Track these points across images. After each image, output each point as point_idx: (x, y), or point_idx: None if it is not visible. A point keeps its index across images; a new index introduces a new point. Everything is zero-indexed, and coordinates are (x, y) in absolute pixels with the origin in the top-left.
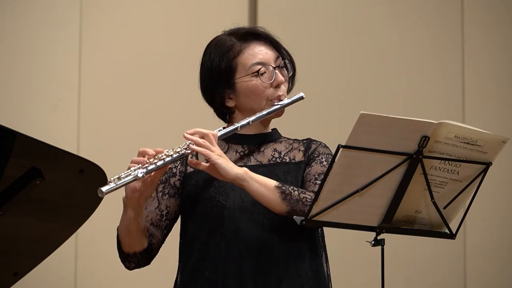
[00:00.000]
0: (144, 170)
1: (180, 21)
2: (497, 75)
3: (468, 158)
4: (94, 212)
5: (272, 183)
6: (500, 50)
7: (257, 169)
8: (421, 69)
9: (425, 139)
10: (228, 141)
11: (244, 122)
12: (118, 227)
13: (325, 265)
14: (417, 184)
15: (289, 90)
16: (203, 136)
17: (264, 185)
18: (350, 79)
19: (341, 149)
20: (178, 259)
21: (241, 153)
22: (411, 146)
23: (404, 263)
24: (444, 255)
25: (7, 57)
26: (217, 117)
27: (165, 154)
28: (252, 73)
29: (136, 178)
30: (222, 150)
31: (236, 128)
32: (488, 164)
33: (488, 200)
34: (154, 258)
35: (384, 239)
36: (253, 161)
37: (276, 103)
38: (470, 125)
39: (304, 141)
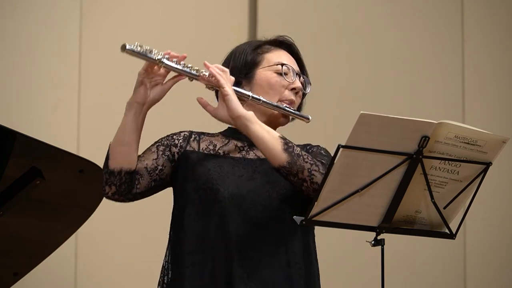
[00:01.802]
0: (165, 60)
1: (180, 21)
2: (497, 75)
3: (468, 158)
4: (94, 212)
5: (276, 133)
6: (500, 50)
7: (255, 162)
8: (421, 69)
9: (425, 139)
10: (228, 135)
11: (257, 96)
12: (111, 142)
13: (315, 261)
14: (417, 184)
15: (299, 108)
16: (222, 70)
17: (267, 131)
18: (350, 79)
19: (341, 149)
20: (168, 238)
21: (241, 148)
22: (411, 146)
23: (404, 263)
24: (444, 255)
25: (7, 57)
26: (215, 118)
27: (185, 65)
28: (276, 65)
29: (155, 61)
30: (222, 142)
31: (248, 96)
32: (488, 164)
33: (488, 200)
34: (154, 260)
35: (384, 239)
36: (251, 155)
37: (286, 106)
38: (470, 125)
39: (303, 144)
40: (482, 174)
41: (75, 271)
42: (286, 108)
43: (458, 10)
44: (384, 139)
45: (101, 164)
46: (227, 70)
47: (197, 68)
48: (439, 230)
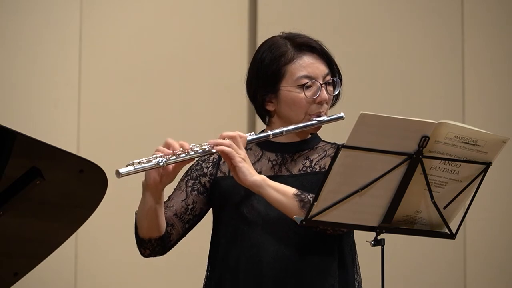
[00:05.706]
0: (165, 159)
1: (180, 21)
2: (497, 75)
3: (468, 158)
4: (94, 212)
5: (291, 190)
6: (500, 50)
7: (287, 179)
8: (421, 69)
9: (425, 139)
10: (262, 147)
11: (277, 131)
12: (136, 211)
13: (356, 274)
14: (417, 184)
15: (331, 106)
16: (230, 137)
17: (282, 193)
18: (350, 79)
19: (341, 149)
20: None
21: (274, 162)
22: (411, 146)
23: (404, 263)
24: (444, 255)
25: (8, 57)
26: (214, 118)
27: (190, 149)
28: (298, 85)
29: (156, 166)
30: (256, 156)
31: (268, 136)
32: (488, 164)
33: (488, 200)
34: (154, 259)
35: (384, 239)
36: (283, 171)
37: (314, 119)
38: (470, 125)
39: (334, 145)
40: (482, 174)
41: (75, 271)
42: (315, 122)
43: (458, 10)
44: (384, 139)
45: (101, 164)
46: (235, 134)
47: (204, 146)
48: (439, 230)
